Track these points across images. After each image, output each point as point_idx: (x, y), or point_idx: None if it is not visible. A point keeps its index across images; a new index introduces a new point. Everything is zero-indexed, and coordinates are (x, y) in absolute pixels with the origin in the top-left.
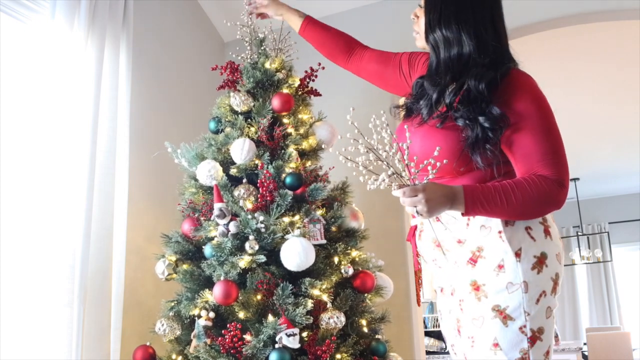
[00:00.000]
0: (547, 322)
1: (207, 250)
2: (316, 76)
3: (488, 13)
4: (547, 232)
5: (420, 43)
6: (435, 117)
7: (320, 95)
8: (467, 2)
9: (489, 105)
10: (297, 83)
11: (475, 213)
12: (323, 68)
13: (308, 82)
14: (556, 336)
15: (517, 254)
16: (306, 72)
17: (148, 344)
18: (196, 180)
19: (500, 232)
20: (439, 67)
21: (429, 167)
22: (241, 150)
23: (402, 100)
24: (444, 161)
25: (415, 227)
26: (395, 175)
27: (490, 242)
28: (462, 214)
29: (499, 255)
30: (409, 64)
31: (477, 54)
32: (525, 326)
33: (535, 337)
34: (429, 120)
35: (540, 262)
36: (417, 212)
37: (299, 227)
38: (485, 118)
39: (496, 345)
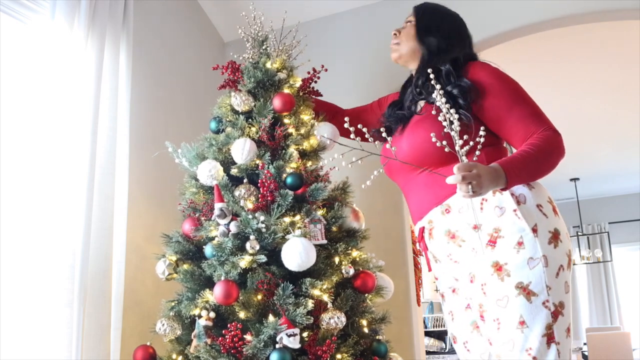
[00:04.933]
0: (566, 297)
1: (208, 250)
2: (319, 77)
3: (459, 29)
4: (555, 211)
5: (395, 55)
6: (416, 112)
7: (321, 95)
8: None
9: (459, 78)
10: (298, 83)
11: (514, 184)
12: (326, 70)
13: (310, 84)
14: None
15: (534, 230)
16: (309, 73)
17: (148, 343)
18: (197, 180)
19: (515, 210)
20: (426, 63)
21: (478, 147)
22: (242, 150)
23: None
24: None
25: (423, 228)
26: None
27: (506, 222)
28: (501, 189)
29: (517, 232)
30: (379, 106)
31: (451, 52)
32: (548, 300)
33: (557, 312)
34: (410, 120)
35: (555, 237)
36: (470, 189)
37: (299, 227)
38: (452, 86)
39: (522, 323)
